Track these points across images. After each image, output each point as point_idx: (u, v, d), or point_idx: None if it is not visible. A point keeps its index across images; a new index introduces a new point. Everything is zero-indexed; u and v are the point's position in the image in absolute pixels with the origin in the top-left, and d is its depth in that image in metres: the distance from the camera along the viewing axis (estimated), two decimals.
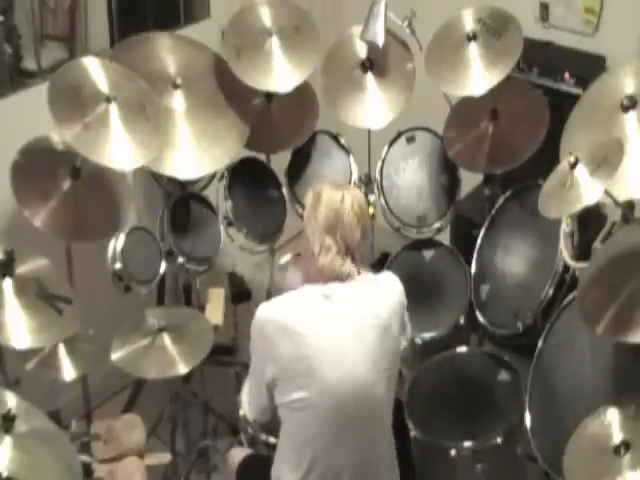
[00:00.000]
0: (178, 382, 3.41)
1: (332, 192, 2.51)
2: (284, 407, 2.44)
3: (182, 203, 3.41)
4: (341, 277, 2.47)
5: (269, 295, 3.57)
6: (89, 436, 2.96)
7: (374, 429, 2.49)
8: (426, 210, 3.60)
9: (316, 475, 2.44)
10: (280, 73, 3.37)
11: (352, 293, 2.46)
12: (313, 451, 2.43)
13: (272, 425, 2.59)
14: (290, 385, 2.40)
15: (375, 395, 2.44)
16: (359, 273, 2.49)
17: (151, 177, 3.53)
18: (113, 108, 2.94)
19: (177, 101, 3.28)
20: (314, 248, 2.49)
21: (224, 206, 3.45)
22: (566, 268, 3.07)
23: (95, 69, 2.97)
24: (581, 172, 2.57)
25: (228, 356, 3.50)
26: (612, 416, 2.41)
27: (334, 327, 2.42)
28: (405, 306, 2.58)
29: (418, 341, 3.34)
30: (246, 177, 3.54)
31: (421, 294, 3.47)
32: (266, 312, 2.46)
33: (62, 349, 2.93)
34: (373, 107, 3.51)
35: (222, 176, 3.48)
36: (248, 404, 2.63)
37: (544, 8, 3.96)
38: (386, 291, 2.54)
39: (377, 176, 3.62)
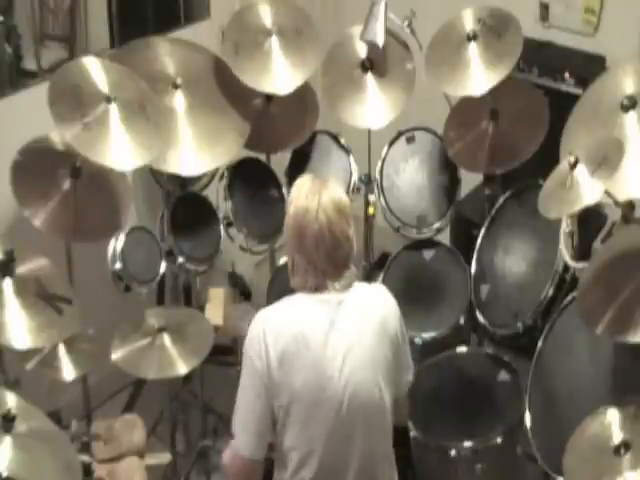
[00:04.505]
0: (178, 382, 3.42)
1: (300, 201, 2.33)
2: (281, 410, 2.40)
3: (182, 203, 3.41)
4: (319, 290, 2.36)
5: (269, 295, 3.56)
6: (89, 436, 2.96)
7: (373, 428, 2.46)
8: (426, 210, 3.60)
9: (311, 470, 2.41)
10: (280, 74, 3.37)
11: (347, 298, 2.39)
12: (309, 446, 2.41)
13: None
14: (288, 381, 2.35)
15: (374, 395, 2.41)
16: (340, 285, 2.36)
17: (151, 177, 3.54)
18: (113, 108, 2.94)
19: (177, 101, 3.28)
20: (289, 264, 2.40)
21: (224, 206, 3.45)
22: (566, 268, 3.07)
23: (95, 69, 2.97)
24: (581, 172, 2.57)
25: (228, 356, 3.50)
26: (612, 416, 2.41)
27: (334, 331, 2.36)
28: (401, 320, 2.48)
29: (418, 341, 3.33)
30: (246, 177, 3.54)
31: (421, 294, 3.48)
32: (266, 320, 2.39)
33: (62, 349, 2.93)
34: (373, 107, 3.50)
35: (222, 176, 3.48)
36: (241, 437, 2.37)
37: (544, 8, 3.95)
38: (379, 297, 2.49)
39: (377, 176, 3.62)
